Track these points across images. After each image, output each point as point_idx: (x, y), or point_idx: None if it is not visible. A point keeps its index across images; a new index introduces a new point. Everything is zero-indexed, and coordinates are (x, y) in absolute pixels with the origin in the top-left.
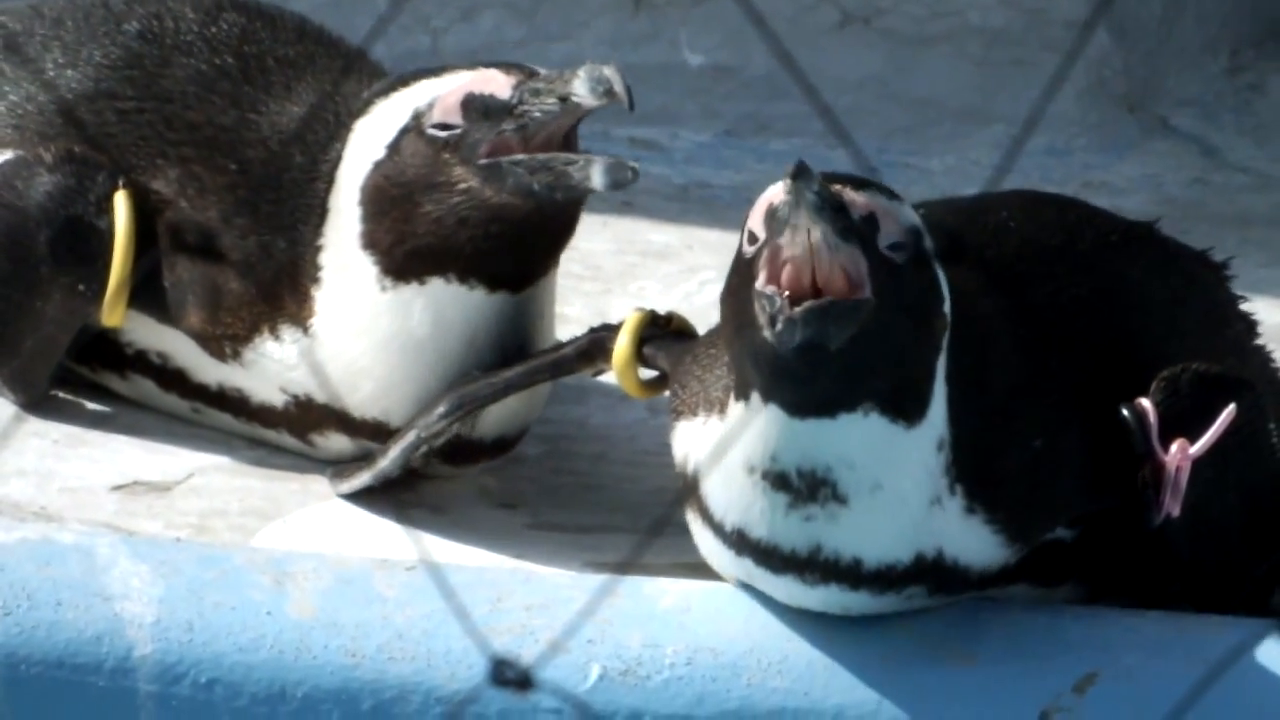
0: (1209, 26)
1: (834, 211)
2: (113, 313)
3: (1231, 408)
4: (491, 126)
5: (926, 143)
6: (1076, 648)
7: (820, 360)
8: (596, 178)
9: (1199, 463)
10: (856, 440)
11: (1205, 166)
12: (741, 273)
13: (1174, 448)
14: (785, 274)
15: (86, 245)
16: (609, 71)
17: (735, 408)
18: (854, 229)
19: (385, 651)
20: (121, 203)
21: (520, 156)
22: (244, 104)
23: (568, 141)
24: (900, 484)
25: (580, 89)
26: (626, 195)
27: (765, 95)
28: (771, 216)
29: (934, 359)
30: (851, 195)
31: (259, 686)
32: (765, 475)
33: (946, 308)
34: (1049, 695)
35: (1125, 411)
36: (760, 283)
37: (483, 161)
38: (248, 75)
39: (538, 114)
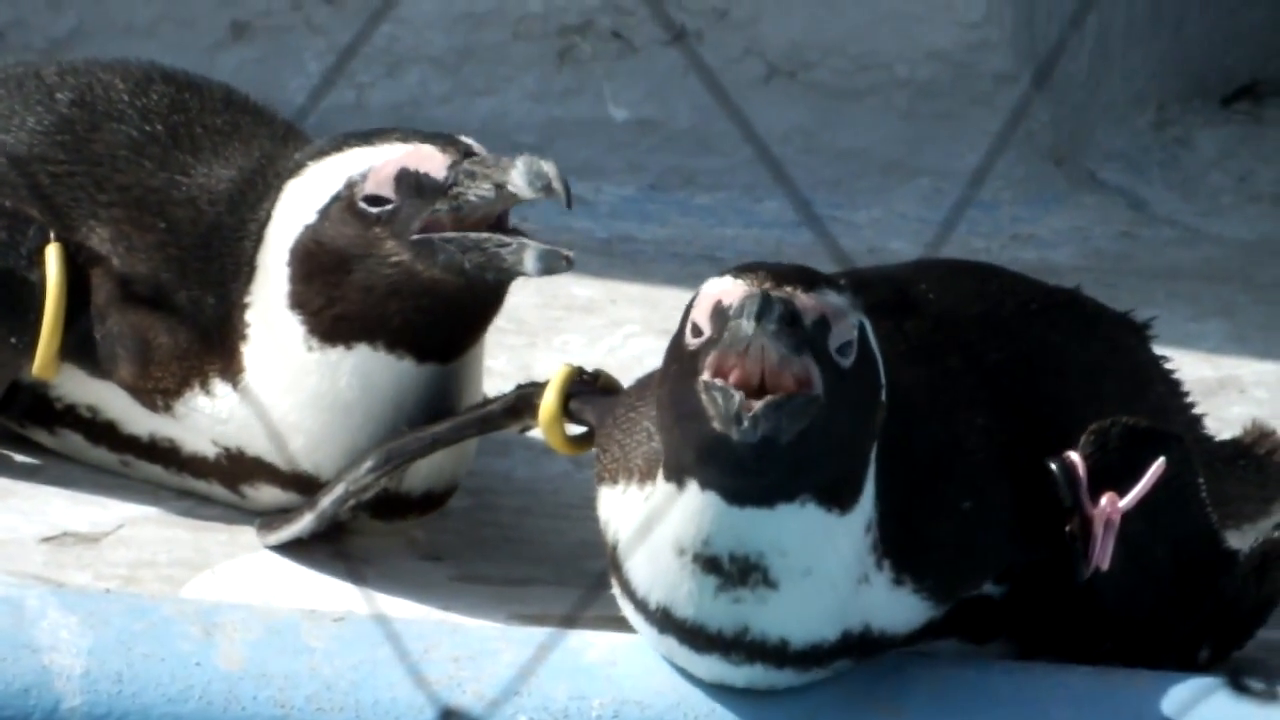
0: (1135, 82)
1: (789, 328)
2: (45, 366)
3: (1161, 461)
4: (425, 204)
5: (853, 195)
6: (1005, 703)
7: (770, 454)
8: (529, 263)
9: (1128, 516)
10: (792, 530)
11: (1133, 220)
12: (683, 363)
13: (1103, 501)
14: (734, 374)
15: (18, 298)
16: (547, 167)
17: (665, 488)
18: (806, 339)
19: (314, 702)
20: (53, 257)
21: (452, 235)
22: (173, 167)
23: (499, 219)
24: (830, 568)
25: (517, 180)
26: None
27: (690, 149)
28: (720, 315)
29: (870, 448)
30: (804, 300)
31: None
32: (696, 558)
33: (884, 396)
34: None
35: (1053, 465)
36: (708, 376)
37: (415, 237)
38: (177, 140)
39: (473, 198)
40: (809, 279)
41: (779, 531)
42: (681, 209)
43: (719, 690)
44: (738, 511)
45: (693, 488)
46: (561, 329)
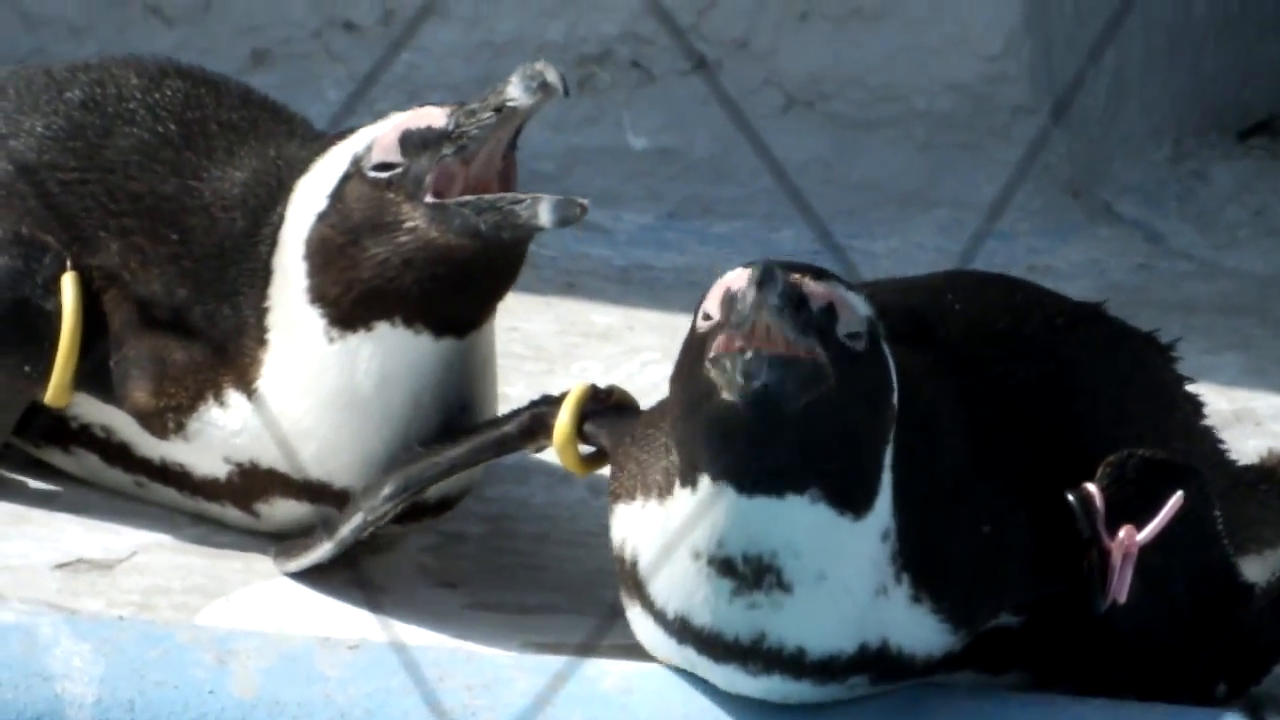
0: (1153, 115)
1: (794, 309)
2: (59, 394)
3: (1179, 494)
4: (432, 156)
5: (870, 225)
6: None
7: (775, 423)
8: (544, 215)
9: (1145, 549)
10: (803, 527)
11: (1149, 253)
12: (694, 350)
13: (1121, 534)
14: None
15: (34, 327)
16: (540, 65)
17: (681, 494)
18: (813, 323)
19: None
20: (69, 285)
21: (467, 198)
22: (186, 171)
23: (506, 182)
24: (845, 574)
25: (514, 91)
26: (569, 277)
27: (708, 178)
28: (729, 302)
29: (882, 450)
30: (812, 286)
31: None
32: (711, 561)
33: (895, 399)
34: None
35: (1071, 497)
36: (714, 353)
37: (429, 201)
38: (190, 142)
39: (475, 132)
40: (819, 271)
41: (790, 528)
42: (699, 237)
43: (733, 718)
44: (748, 502)
45: (705, 484)
46: (579, 356)
